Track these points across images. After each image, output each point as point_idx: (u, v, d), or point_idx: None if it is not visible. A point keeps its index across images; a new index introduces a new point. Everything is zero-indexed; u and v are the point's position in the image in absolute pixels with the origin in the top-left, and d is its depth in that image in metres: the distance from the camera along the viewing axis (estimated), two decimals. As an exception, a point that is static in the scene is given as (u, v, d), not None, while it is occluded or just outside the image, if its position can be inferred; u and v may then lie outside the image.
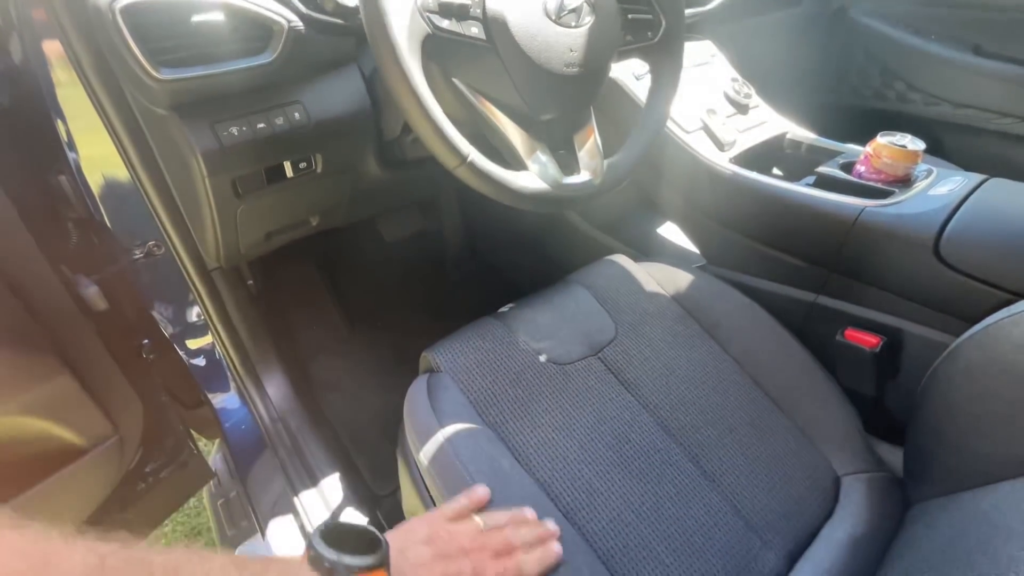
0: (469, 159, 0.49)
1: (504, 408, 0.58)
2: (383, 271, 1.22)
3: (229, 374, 0.94)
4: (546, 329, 0.66)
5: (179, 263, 0.79)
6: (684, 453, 0.57)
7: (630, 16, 0.60)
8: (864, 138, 0.74)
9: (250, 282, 0.91)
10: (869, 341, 0.67)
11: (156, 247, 0.78)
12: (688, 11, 0.82)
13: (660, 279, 0.75)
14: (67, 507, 0.75)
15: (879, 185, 0.70)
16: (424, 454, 0.55)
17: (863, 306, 0.70)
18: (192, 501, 1.22)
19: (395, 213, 1.18)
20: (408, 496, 0.63)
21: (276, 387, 0.93)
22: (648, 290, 0.73)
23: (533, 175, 0.54)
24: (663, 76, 0.66)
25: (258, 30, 0.54)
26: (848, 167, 0.75)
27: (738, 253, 0.82)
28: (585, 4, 0.54)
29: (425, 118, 0.46)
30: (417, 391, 0.61)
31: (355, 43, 0.64)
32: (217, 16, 0.51)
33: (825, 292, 0.73)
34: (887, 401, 0.70)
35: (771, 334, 0.69)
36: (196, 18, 0.50)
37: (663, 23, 0.64)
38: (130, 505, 0.83)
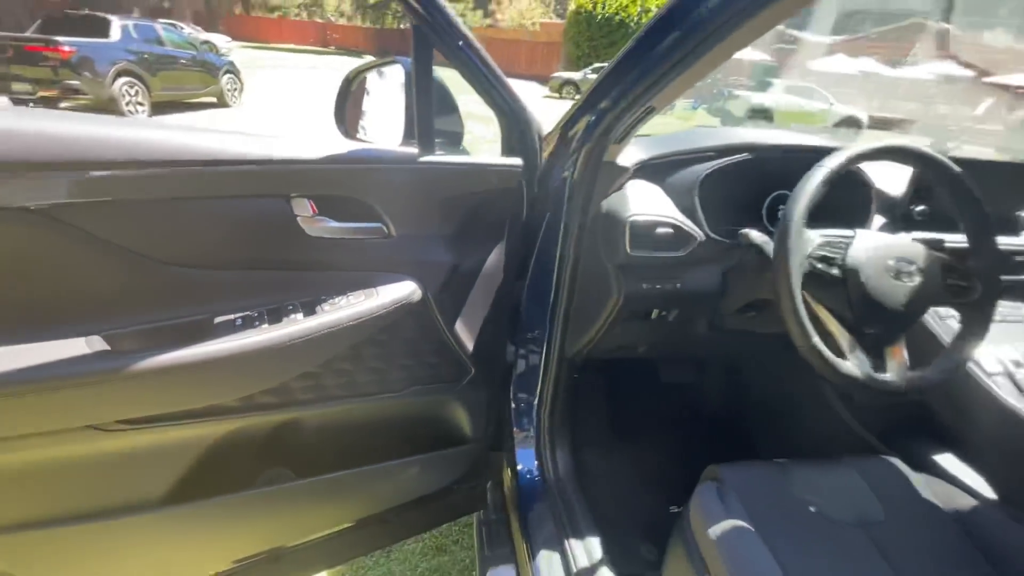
0: (813, 341, 0.77)
1: (781, 537, 0.76)
2: (652, 403, 1.51)
3: (536, 432, 1.30)
4: (819, 489, 0.83)
5: (547, 343, 1.20)
6: None
7: (950, 282, 0.83)
8: None
9: (576, 375, 1.29)
10: None
11: None
12: (1006, 278, 0.99)
13: (936, 492, 0.85)
14: (416, 483, 1.12)
15: None
16: (709, 541, 0.75)
17: None
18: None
19: (678, 363, 1.48)
20: (676, 564, 0.84)
21: (564, 453, 1.25)
22: (923, 496, 0.84)
23: (851, 365, 0.78)
24: (973, 329, 0.84)
25: (683, 237, 0.95)
26: None
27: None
28: (916, 269, 0.80)
29: (795, 319, 0.77)
30: (707, 490, 0.84)
31: (723, 250, 1.01)
32: (668, 230, 0.94)
33: None
34: None
35: None
36: (659, 230, 0.94)
37: (979, 289, 0.84)
38: (414, 508, 1.16)
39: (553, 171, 1.00)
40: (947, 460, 1.07)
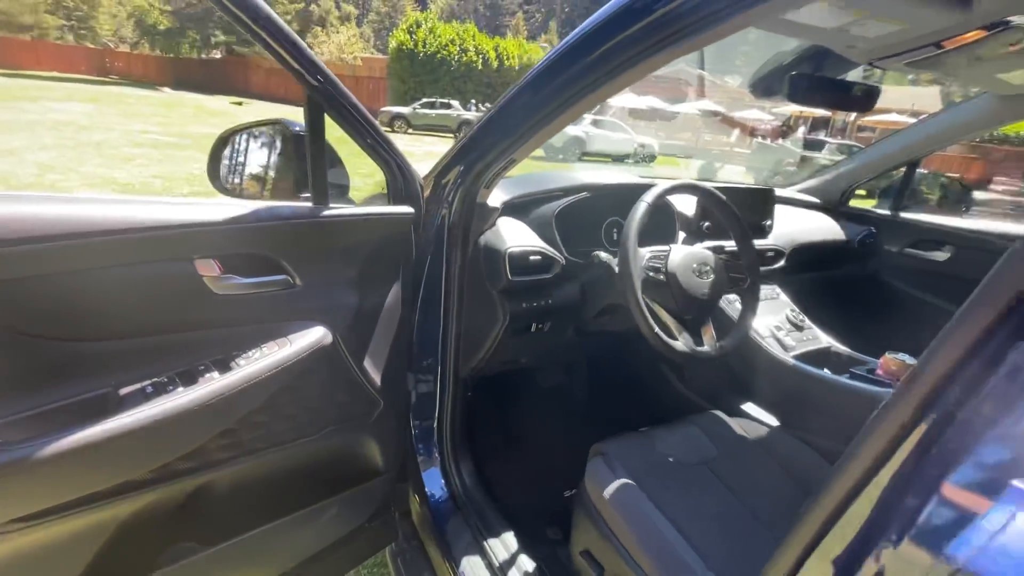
0: (655, 330, 1.02)
1: (655, 485, 0.98)
2: (537, 406, 1.70)
3: (439, 453, 1.39)
4: (673, 444, 1.08)
5: (442, 368, 1.32)
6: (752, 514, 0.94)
7: (731, 275, 1.17)
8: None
9: (469, 393, 1.42)
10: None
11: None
12: (764, 268, 1.40)
13: (746, 428, 1.17)
14: (333, 526, 1.14)
15: (887, 380, 1.14)
16: (605, 504, 0.95)
17: None
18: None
19: (554, 367, 1.70)
20: (583, 534, 1.01)
21: (468, 466, 1.36)
22: (738, 434, 1.15)
23: (680, 343, 1.05)
24: (749, 307, 1.19)
25: (549, 261, 1.16)
26: (872, 370, 1.20)
27: (795, 415, 1.23)
28: (710, 269, 1.11)
29: (642, 316, 1.01)
30: (596, 464, 1.04)
31: (580, 269, 1.24)
32: (537, 257, 1.14)
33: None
34: None
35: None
36: (531, 257, 1.13)
37: (748, 280, 1.20)
38: (331, 553, 1.18)
39: (431, 214, 1.13)
40: (749, 406, 1.44)
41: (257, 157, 0.98)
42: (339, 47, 31.59)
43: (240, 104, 19.84)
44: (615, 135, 15.07)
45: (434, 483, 1.34)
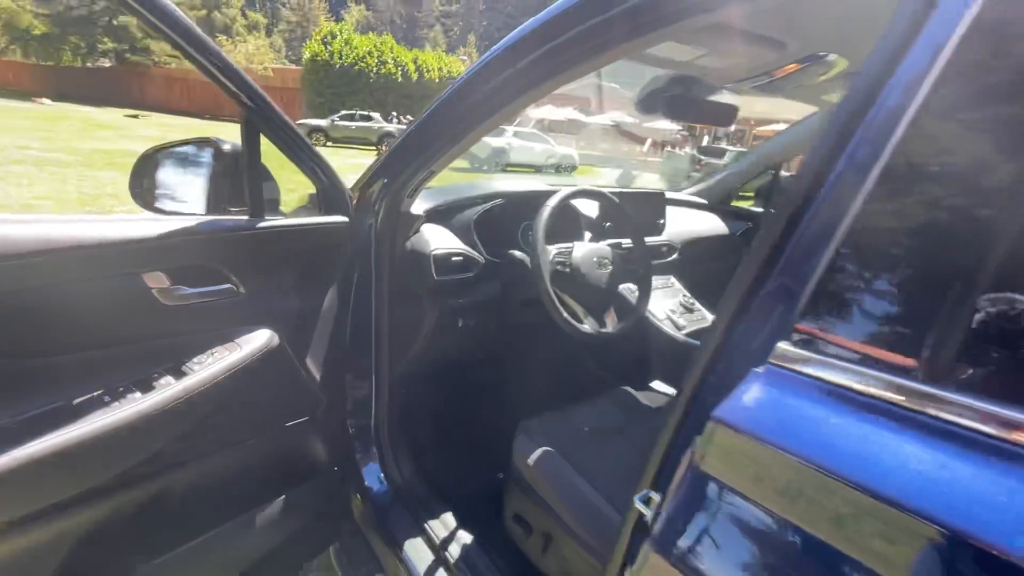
0: (564, 316, 1.17)
1: (573, 451, 1.13)
2: (468, 397, 1.81)
3: (377, 448, 1.46)
4: (588, 416, 1.24)
5: (376, 367, 1.40)
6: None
7: (628, 266, 1.35)
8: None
9: (404, 390, 1.51)
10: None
11: None
12: (656, 262, 1.61)
13: (651, 399, 1.35)
14: (282, 527, 1.19)
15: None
16: (530, 471, 1.08)
17: None
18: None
19: (481, 359, 1.83)
20: (513, 501, 1.14)
21: (406, 458, 1.44)
22: (643, 404, 1.33)
23: (587, 326, 1.22)
24: (644, 293, 1.38)
25: (470, 262, 1.29)
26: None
27: None
28: (609, 261, 1.29)
29: (552, 304, 1.16)
30: (522, 439, 1.17)
31: (499, 267, 1.38)
32: (460, 258, 1.27)
33: None
34: None
35: None
36: (454, 258, 1.25)
37: (642, 270, 1.39)
38: (277, 556, 1.22)
39: (360, 223, 1.22)
40: (653, 380, 1.65)
41: (185, 174, 1.03)
42: (247, 57, 30.11)
43: (136, 117, 18.33)
44: (537, 146, 15.58)
45: (373, 477, 1.41)
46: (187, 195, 1.02)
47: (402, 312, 1.28)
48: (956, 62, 0.37)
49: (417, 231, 1.27)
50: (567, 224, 1.48)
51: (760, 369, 0.44)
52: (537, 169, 15.00)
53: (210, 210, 0.98)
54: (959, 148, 0.38)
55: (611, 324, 1.28)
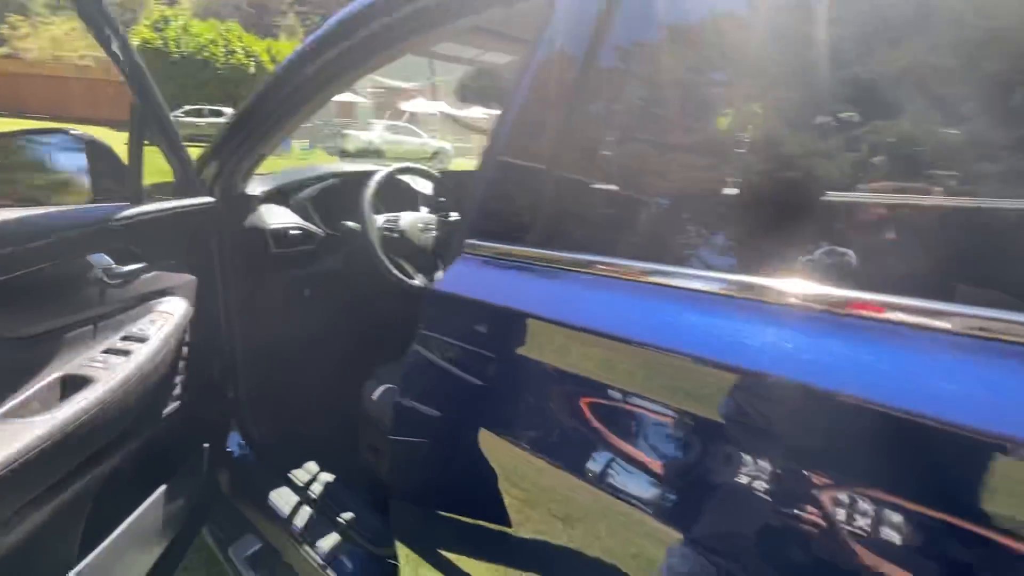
0: (397, 276, 1.38)
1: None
2: (323, 362, 1.94)
3: (238, 421, 1.55)
4: None
5: (230, 342, 1.49)
6: None
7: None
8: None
9: (262, 362, 1.61)
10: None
11: None
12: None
13: None
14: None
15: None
16: (375, 406, 1.28)
17: None
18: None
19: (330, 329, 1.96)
20: (364, 434, 1.34)
21: (267, 422, 1.55)
22: None
23: (417, 281, 1.44)
24: None
25: (309, 235, 1.44)
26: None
27: None
28: (434, 227, 1.52)
29: (382, 264, 1.36)
30: (370, 384, 1.36)
31: (338, 239, 1.55)
32: (297, 231, 1.42)
33: None
34: None
35: None
36: (291, 232, 1.40)
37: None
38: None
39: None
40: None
41: (34, 164, 1.05)
42: (53, 42, 25.54)
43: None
44: (410, 139, 15.46)
45: (234, 444, 1.51)
46: (33, 185, 1.05)
47: (250, 287, 1.40)
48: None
49: (254, 210, 1.39)
50: (402, 198, 1.69)
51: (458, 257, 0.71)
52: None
53: (62, 199, 1.01)
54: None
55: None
